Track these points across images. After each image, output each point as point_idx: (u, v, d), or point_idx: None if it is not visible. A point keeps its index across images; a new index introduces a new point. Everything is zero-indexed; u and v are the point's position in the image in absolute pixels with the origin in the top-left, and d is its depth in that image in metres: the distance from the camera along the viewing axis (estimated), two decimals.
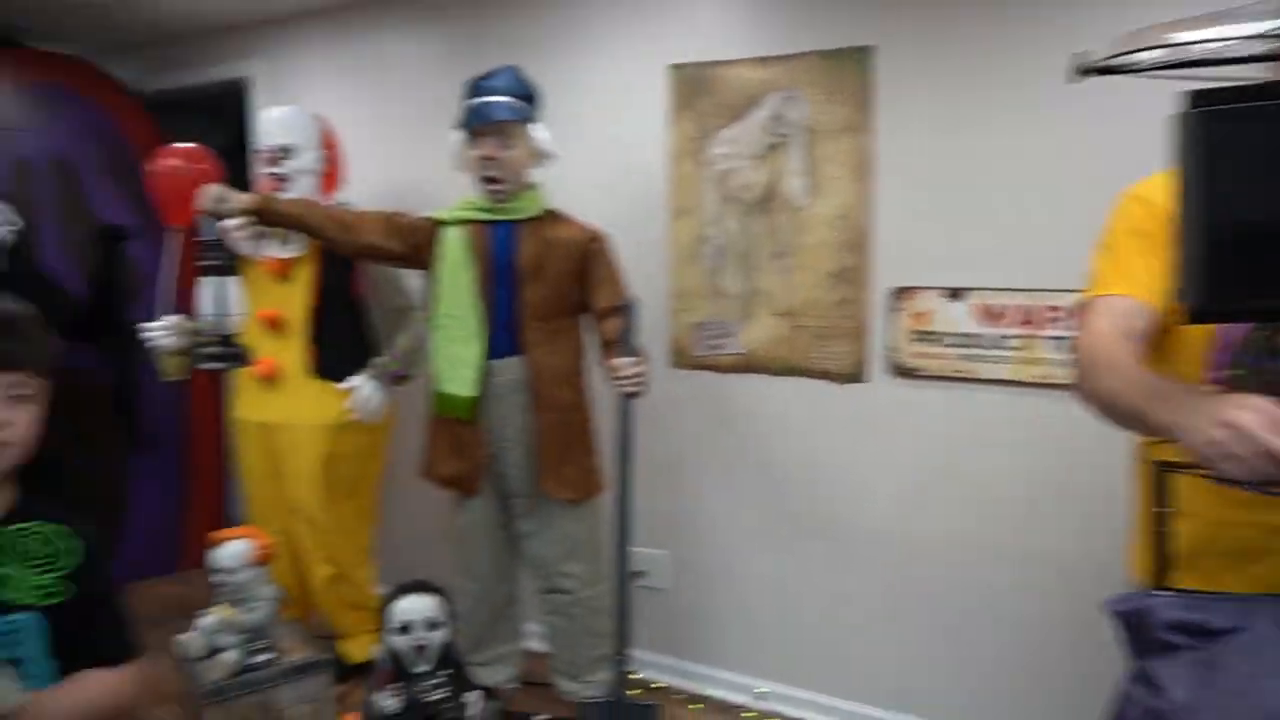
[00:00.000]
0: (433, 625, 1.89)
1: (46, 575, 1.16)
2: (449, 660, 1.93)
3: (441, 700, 1.86)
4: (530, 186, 2.22)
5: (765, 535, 2.54)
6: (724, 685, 2.61)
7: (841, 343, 2.34)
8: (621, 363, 2.07)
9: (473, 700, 1.93)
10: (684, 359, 2.59)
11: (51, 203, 3.18)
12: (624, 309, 2.16)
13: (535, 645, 2.72)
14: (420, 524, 3.07)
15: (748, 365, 2.49)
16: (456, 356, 2.19)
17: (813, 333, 2.38)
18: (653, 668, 2.68)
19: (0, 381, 1.14)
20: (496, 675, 2.40)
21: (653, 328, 2.48)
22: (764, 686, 2.55)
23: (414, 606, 1.88)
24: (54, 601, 1.17)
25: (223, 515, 3.56)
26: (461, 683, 1.93)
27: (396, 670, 1.87)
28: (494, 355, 2.18)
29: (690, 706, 2.56)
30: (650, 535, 2.56)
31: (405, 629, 1.87)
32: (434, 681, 1.88)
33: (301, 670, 2.19)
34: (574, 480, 2.23)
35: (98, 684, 1.20)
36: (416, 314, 2.57)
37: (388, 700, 1.83)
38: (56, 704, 1.15)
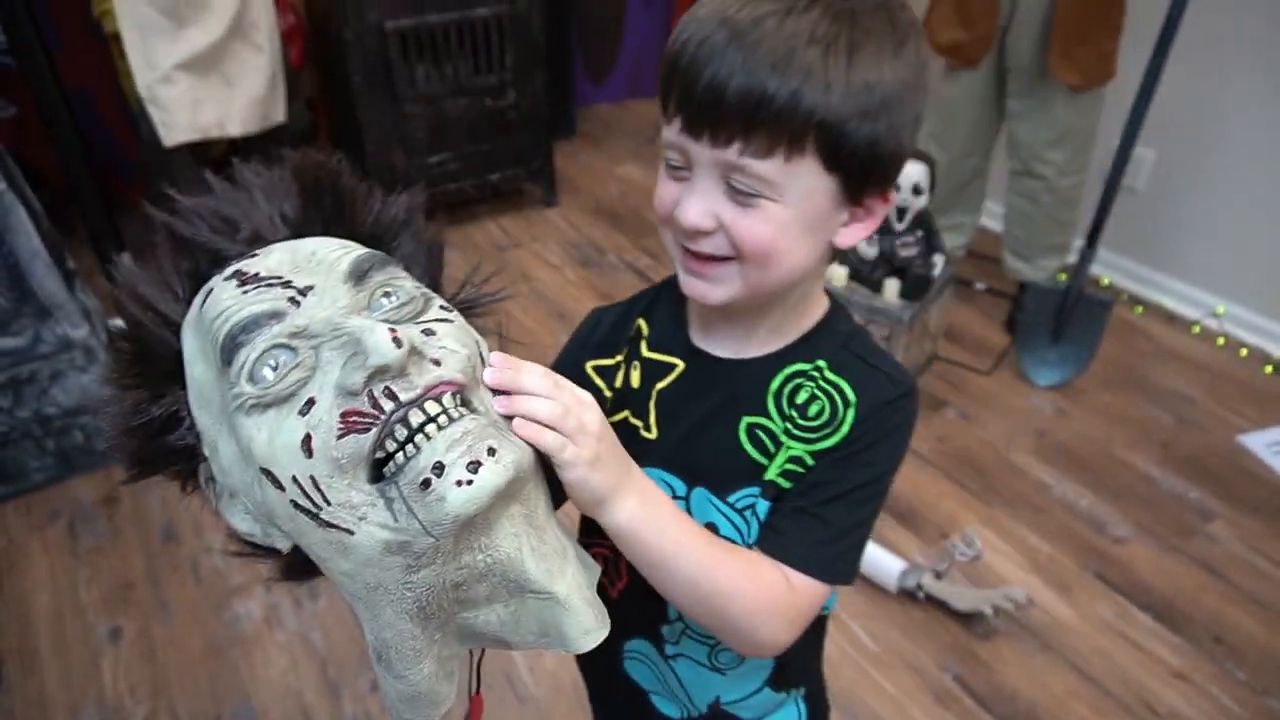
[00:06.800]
0: (917, 190, 2.05)
1: None
2: (923, 223, 2.12)
3: (911, 257, 2.09)
4: None
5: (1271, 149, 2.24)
6: (1177, 297, 2.57)
7: None
8: None
9: (939, 261, 2.13)
10: None
11: None
12: None
13: (987, 221, 2.82)
14: None
15: None
16: None
17: None
18: (1104, 265, 2.68)
19: None
20: (948, 242, 2.56)
21: None
22: (1222, 307, 2.46)
23: (905, 170, 2.03)
24: None
25: None
26: (931, 244, 2.13)
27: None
28: None
29: (1135, 308, 2.58)
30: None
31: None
32: (908, 240, 2.09)
33: None
34: (1085, 64, 2.08)
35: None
36: None
37: (867, 248, 2.09)
38: None
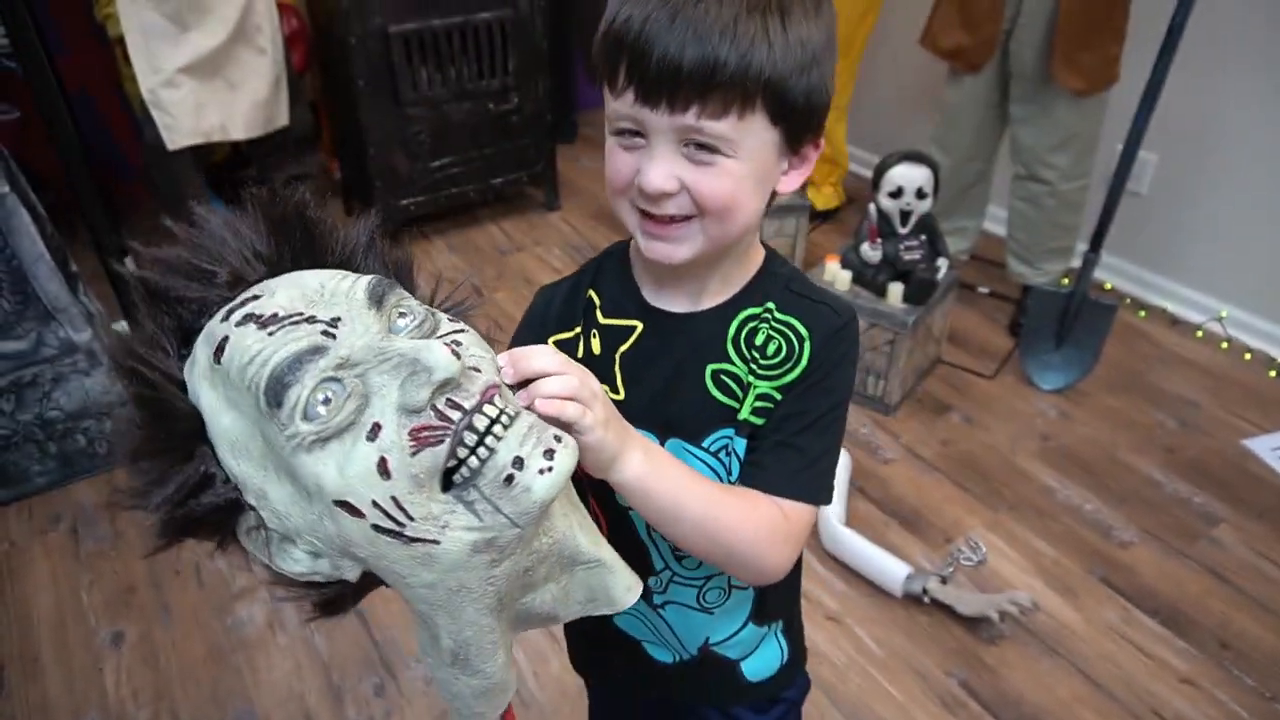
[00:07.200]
0: (921, 194, 2.05)
1: None
2: (927, 227, 2.11)
3: (916, 261, 2.09)
4: None
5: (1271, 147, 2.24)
6: (1180, 301, 2.56)
7: None
8: None
9: (943, 265, 2.13)
10: None
11: None
12: None
13: (990, 225, 2.82)
14: (895, 89, 3.10)
15: None
16: None
17: None
18: (1108, 269, 2.67)
19: None
20: (951, 246, 2.56)
21: None
22: (1226, 310, 2.46)
23: (909, 174, 2.03)
24: None
25: None
26: (935, 248, 2.13)
27: (881, 228, 2.10)
28: None
29: (1138, 312, 2.57)
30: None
31: (897, 193, 2.04)
32: (912, 244, 2.09)
33: (782, 210, 2.53)
34: (1088, 68, 2.08)
35: None
36: None
37: (871, 251, 2.09)
38: None
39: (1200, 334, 2.47)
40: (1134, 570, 1.75)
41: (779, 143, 0.63)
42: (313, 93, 2.98)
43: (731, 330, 0.70)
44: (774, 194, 0.67)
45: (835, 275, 2.12)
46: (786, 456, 0.68)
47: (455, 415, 0.47)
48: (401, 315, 0.52)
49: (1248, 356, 2.38)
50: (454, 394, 0.48)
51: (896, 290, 2.07)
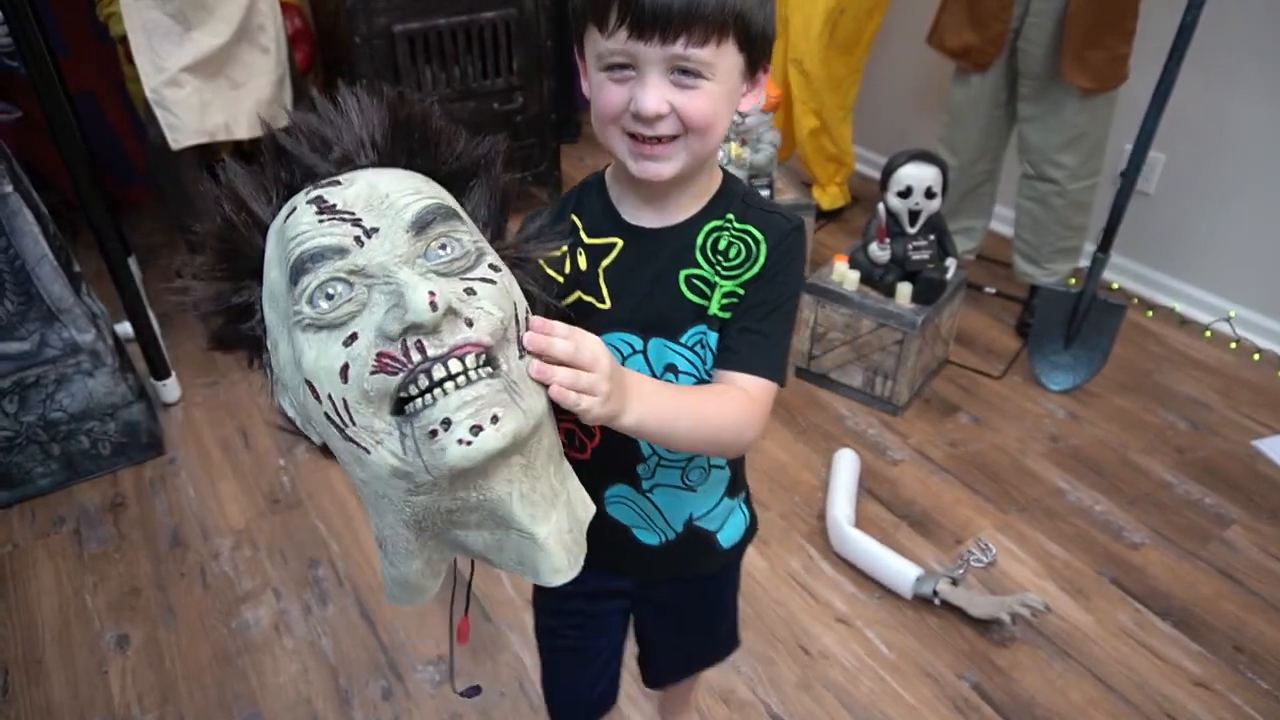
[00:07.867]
0: (930, 194, 2.03)
1: None
2: (935, 227, 2.10)
3: (925, 260, 2.07)
4: None
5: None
6: (1188, 300, 2.55)
7: None
8: None
9: (952, 265, 2.12)
10: None
11: None
12: None
13: (996, 225, 2.81)
14: (902, 88, 3.09)
15: None
16: None
17: None
18: (1115, 269, 2.66)
19: None
20: (957, 246, 2.55)
21: None
22: (1235, 311, 2.45)
23: (917, 174, 2.02)
24: None
25: None
26: (944, 248, 2.11)
27: (889, 227, 2.09)
28: None
29: (1146, 312, 2.56)
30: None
31: (906, 193, 2.03)
32: (921, 243, 2.08)
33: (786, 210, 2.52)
34: (1097, 67, 2.07)
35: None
36: None
37: (880, 251, 2.08)
38: None
39: (1209, 334, 2.46)
40: (1145, 572, 1.74)
41: (743, 67, 0.74)
42: (317, 92, 2.96)
43: (699, 239, 0.80)
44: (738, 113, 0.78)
45: (843, 275, 2.11)
46: (752, 340, 0.79)
47: (415, 357, 0.52)
48: (443, 246, 0.57)
49: (1257, 357, 2.36)
50: (426, 338, 0.53)
51: (905, 290, 2.06)
